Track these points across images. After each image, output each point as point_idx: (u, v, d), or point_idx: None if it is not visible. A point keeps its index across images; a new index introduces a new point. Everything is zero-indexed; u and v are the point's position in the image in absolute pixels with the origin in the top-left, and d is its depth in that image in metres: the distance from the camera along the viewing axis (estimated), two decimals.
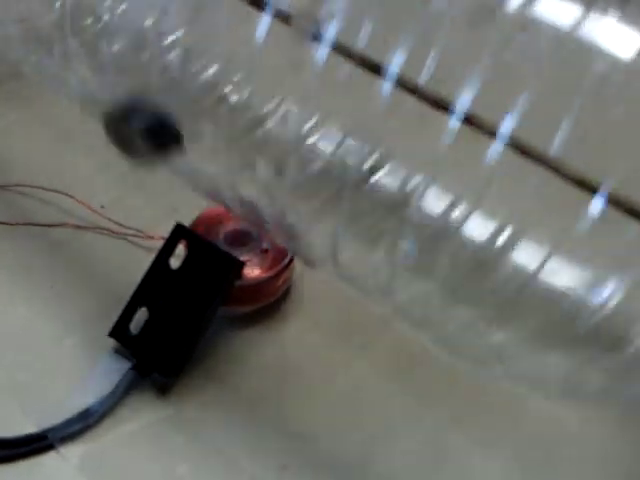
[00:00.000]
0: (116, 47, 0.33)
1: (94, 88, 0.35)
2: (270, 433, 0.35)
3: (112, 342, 0.36)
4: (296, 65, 0.29)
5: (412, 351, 0.36)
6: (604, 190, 0.25)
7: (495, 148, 0.26)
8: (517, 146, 0.26)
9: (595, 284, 0.25)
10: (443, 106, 0.27)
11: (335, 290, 0.38)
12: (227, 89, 0.30)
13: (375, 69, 0.28)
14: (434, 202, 0.27)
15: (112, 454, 0.34)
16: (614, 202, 0.25)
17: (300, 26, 0.28)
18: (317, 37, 0.28)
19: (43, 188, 0.42)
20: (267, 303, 0.38)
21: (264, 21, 0.28)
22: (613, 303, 0.25)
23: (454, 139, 0.26)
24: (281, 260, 0.37)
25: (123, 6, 0.32)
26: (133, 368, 0.36)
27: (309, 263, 0.33)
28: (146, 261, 0.37)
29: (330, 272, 0.31)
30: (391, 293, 0.29)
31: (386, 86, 0.27)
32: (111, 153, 0.37)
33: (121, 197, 0.42)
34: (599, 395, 0.28)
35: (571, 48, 0.26)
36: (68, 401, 0.35)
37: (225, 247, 0.37)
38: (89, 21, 0.34)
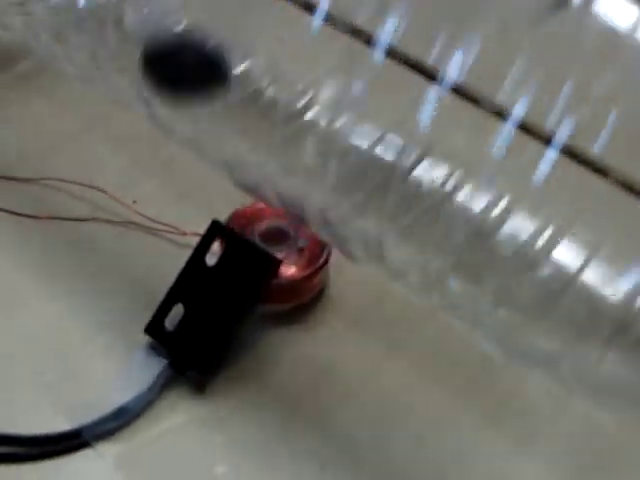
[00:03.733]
0: None
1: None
2: (308, 433, 0.35)
3: (147, 339, 0.36)
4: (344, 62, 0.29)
5: (448, 351, 0.36)
6: None
7: (548, 155, 0.26)
8: (569, 152, 0.26)
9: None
10: (499, 112, 0.27)
11: (369, 290, 0.39)
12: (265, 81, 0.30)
13: (425, 71, 0.28)
14: (475, 199, 0.27)
15: (148, 453, 0.34)
16: None
17: None
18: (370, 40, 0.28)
19: (73, 182, 0.41)
20: (302, 302, 0.38)
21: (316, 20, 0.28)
22: None
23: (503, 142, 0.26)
24: (317, 259, 0.37)
25: None
26: (169, 365, 0.36)
27: (350, 256, 0.33)
28: (179, 257, 0.37)
29: (373, 266, 0.31)
30: (438, 291, 0.29)
31: (435, 90, 0.27)
32: (144, 147, 0.37)
33: (154, 192, 0.42)
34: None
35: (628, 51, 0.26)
36: (103, 398, 0.35)
37: (261, 245, 0.37)
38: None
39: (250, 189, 0.33)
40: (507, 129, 0.26)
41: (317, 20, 0.28)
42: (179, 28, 0.31)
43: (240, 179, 0.33)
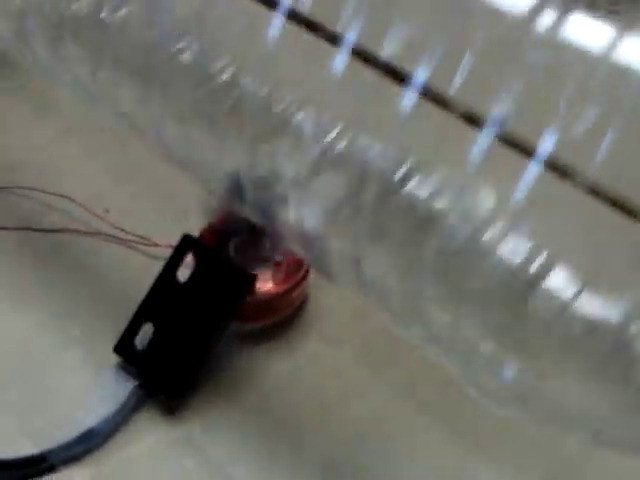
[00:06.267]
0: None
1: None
2: (284, 459, 0.33)
3: (117, 357, 0.35)
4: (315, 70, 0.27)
5: (436, 372, 0.34)
6: None
7: (532, 168, 0.24)
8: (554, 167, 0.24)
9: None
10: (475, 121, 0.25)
11: (353, 305, 0.37)
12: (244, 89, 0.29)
13: (400, 78, 0.26)
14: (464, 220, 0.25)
15: (117, 478, 0.32)
16: None
17: None
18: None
19: (43, 191, 0.40)
20: (280, 318, 0.36)
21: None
22: None
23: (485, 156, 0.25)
24: (296, 273, 0.35)
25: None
26: (139, 386, 0.34)
27: (328, 277, 0.31)
28: (153, 270, 0.35)
29: (352, 288, 0.29)
30: (420, 318, 0.27)
31: (410, 95, 0.25)
32: (117, 155, 0.36)
33: (127, 201, 0.40)
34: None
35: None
36: (70, 420, 0.33)
37: (236, 258, 0.35)
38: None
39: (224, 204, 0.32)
40: (485, 139, 0.24)
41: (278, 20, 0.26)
42: None
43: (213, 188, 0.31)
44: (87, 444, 0.33)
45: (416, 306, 0.27)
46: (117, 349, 0.35)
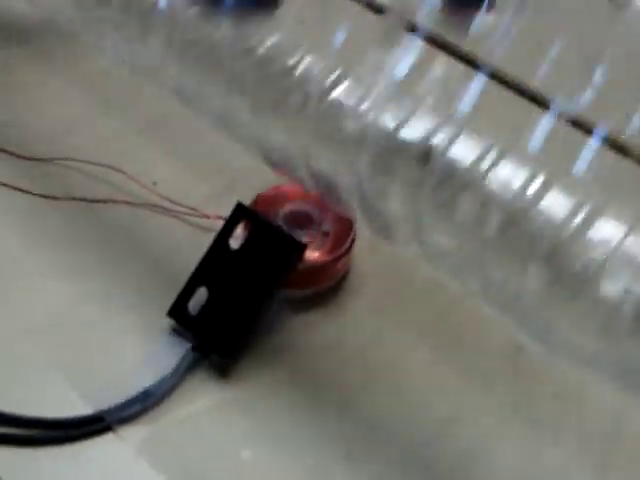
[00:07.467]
0: None
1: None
2: (333, 418, 0.34)
3: (169, 322, 0.36)
4: None
5: (475, 337, 0.36)
6: None
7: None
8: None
9: None
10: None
11: (393, 275, 0.38)
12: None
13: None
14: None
15: (172, 437, 0.34)
16: None
17: None
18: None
19: (92, 162, 0.41)
20: (326, 287, 0.37)
21: None
22: None
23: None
24: (342, 244, 0.37)
25: None
26: (193, 349, 0.35)
27: (384, 235, 0.32)
28: (200, 240, 0.37)
29: (409, 247, 0.31)
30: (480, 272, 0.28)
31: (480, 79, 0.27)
32: (165, 128, 0.37)
33: (174, 173, 0.41)
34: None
35: None
36: (125, 382, 0.34)
37: (285, 228, 0.37)
38: None
39: (282, 165, 0.33)
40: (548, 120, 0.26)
41: None
42: None
43: (272, 154, 0.32)
44: (143, 404, 0.34)
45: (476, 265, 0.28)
46: (171, 313, 0.36)
